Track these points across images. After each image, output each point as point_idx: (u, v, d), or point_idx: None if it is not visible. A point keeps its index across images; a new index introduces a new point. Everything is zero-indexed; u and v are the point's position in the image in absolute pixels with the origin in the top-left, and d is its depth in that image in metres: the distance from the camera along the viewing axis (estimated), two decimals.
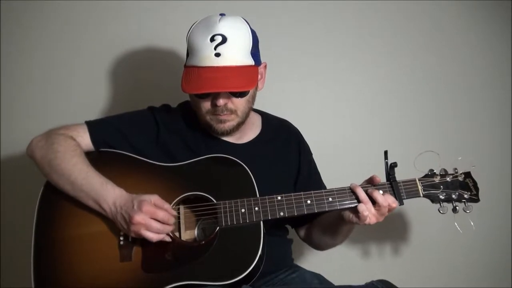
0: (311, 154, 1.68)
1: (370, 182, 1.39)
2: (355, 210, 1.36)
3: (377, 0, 1.99)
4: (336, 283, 1.43)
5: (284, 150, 1.61)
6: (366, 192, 1.37)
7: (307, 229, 1.63)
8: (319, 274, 1.50)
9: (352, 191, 1.38)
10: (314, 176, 1.65)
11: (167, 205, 1.35)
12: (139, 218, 1.30)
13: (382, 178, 1.40)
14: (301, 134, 1.69)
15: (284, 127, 1.67)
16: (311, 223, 1.61)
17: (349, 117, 2.02)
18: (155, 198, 1.34)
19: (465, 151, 1.78)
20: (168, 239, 1.36)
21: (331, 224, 1.50)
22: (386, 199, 1.34)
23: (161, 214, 1.32)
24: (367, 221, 1.35)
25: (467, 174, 1.42)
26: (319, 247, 1.65)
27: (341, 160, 1.97)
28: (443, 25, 2.01)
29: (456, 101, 2.02)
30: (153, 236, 1.32)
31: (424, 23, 2.01)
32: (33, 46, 1.98)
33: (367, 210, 1.34)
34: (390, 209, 1.36)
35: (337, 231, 1.50)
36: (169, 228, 1.34)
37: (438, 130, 2.01)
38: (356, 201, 1.37)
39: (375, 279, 1.37)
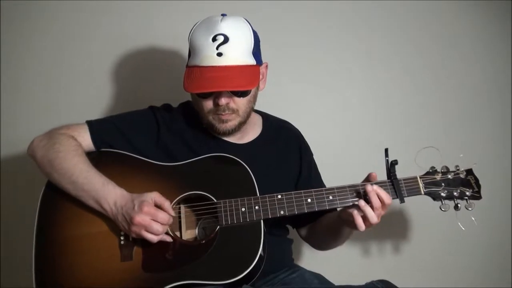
0: (311, 154, 1.68)
1: (369, 180, 1.39)
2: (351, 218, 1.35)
3: (378, 0, 2.00)
4: (336, 283, 1.42)
5: (285, 150, 1.61)
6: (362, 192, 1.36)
7: (308, 228, 1.63)
8: (319, 274, 1.49)
9: (364, 193, 1.36)
10: (315, 176, 1.65)
11: (167, 203, 1.35)
12: (139, 218, 1.30)
13: (383, 176, 1.40)
14: (301, 135, 1.69)
15: (285, 128, 1.67)
16: (313, 223, 1.60)
17: (349, 116, 2.03)
18: (155, 195, 1.34)
19: (467, 148, 1.78)
20: (168, 239, 1.36)
21: (333, 226, 1.50)
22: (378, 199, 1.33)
23: (160, 216, 1.32)
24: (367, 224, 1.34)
25: (469, 171, 1.41)
26: (321, 247, 1.65)
27: (342, 159, 1.97)
28: (444, 24, 2.02)
29: (456, 99, 2.02)
30: (153, 237, 1.32)
31: (424, 22, 2.02)
32: (33, 46, 1.99)
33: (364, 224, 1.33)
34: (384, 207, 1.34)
35: (338, 233, 1.50)
36: (166, 227, 1.34)
37: (439, 127, 2.01)
38: (356, 199, 1.37)
39: (375, 278, 1.37)
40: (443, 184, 1.39)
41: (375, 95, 2.02)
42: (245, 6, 1.89)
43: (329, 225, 1.52)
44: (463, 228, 1.36)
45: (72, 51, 1.98)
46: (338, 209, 1.46)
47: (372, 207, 1.32)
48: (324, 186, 1.62)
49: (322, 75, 2.02)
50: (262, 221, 1.36)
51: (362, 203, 1.33)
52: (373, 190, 1.33)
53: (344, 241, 1.56)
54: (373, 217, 1.32)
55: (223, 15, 1.46)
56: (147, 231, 1.32)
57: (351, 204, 1.37)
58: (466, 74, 2.02)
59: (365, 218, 1.33)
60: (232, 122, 1.47)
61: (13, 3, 1.97)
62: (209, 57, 1.39)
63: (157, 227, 1.31)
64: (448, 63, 2.02)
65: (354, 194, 1.37)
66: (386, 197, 1.34)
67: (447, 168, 1.41)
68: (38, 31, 1.98)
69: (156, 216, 1.31)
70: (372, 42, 2.01)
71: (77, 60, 1.99)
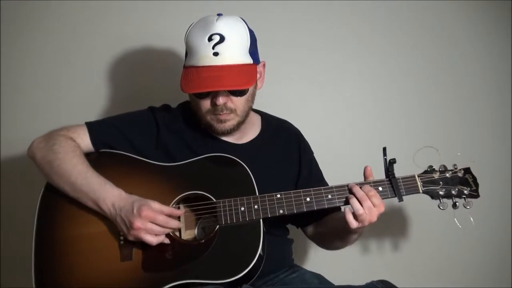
0: (312, 153, 1.68)
1: (365, 176, 1.40)
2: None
3: (378, 0, 2.00)
4: (336, 283, 1.43)
5: (284, 150, 1.61)
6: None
7: (314, 227, 1.61)
8: (319, 274, 1.50)
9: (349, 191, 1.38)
10: (316, 175, 1.64)
11: (166, 208, 1.35)
12: (139, 223, 1.30)
13: (381, 175, 1.40)
14: (301, 134, 1.68)
15: (284, 127, 1.67)
16: (318, 222, 1.59)
17: (349, 116, 2.03)
18: (154, 203, 1.34)
19: (465, 147, 1.78)
20: (166, 241, 1.36)
21: (341, 231, 1.47)
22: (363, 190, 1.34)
23: (160, 218, 1.32)
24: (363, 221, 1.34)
25: (467, 170, 1.41)
26: (327, 247, 1.63)
27: (341, 159, 1.97)
28: (444, 24, 2.02)
29: (456, 98, 2.02)
30: (152, 240, 1.33)
31: (424, 22, 2.02)
32: (33, 46, 1.99)
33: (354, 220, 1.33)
34: (371, 197, 1.34)
35: (346, 235, 1.48)
36: (168, 230, 1.35)
37: (437, 126, 2.01)
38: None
39: (375, 277, 1.37)
40: (441, 182, 1.39)
41: (375, 94, 2.02)
42: (246, 6, 1.90)
43: (337, 227, 1.49)
44: (460, 226, 1.36)
45: (72, 51, 1.99)
46: (343, 208, 1.46)
47: (359, 200, 1.33)
48: (326, 184, 1.61)
49: (322, 75, 2.02)
50: (261, 220, 1.36)
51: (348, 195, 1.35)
52: (352, 184, 1.36)
53: (352, 242, 1.53)
54: (356, 203, 1.32)
55: (219, 14, 1.46)
56: (147, 233, 1.32)
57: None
58: (465, 74, 2.02)
59: (354, 214, 1.33)
60: (231, 122, 1.47)
61: (13, 3, 1.97)
62: (205, 57, 1.39)
63: (157, 228, 1.32)
64: (448, 63, 2.02)
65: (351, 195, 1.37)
66: (368, 188, 1.34)
67: (445, 166, 1.41)
68: (38, 31, 1.99)
69: (155, 219, 1.31)
70: (372, 42, 2.01)
71: (77, 60, 1.99)
